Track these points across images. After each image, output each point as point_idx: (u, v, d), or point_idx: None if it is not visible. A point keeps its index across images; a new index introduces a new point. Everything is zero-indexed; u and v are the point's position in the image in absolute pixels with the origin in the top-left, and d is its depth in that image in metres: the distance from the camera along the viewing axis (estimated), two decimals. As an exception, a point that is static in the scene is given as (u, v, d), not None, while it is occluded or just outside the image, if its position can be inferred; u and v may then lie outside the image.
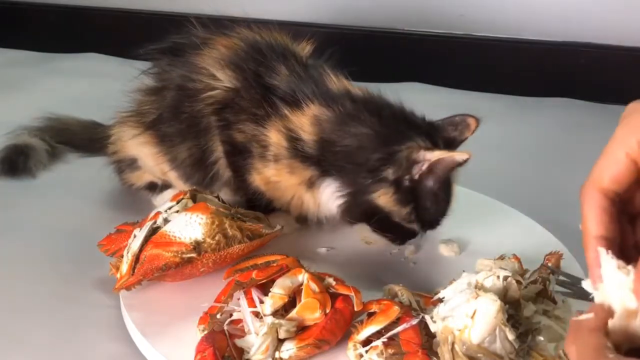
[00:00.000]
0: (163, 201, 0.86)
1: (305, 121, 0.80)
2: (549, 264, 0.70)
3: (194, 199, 0.77)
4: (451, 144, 0.80)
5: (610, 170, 0.46)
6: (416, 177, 0.75)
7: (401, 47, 1.64)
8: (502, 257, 0.71)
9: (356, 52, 1.46)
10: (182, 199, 0.76)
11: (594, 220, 0.46)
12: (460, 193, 0.82)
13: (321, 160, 0.79)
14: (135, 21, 1.78)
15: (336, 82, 0.84)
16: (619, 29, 1.52)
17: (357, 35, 1.66)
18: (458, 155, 0.72)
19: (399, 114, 0.81)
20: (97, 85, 1.44)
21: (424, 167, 0.74)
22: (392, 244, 0.83)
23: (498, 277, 0.63)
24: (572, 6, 1.54)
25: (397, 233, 0.81)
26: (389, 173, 0.76)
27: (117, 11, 1.82)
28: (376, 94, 0.84)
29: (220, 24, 0.90)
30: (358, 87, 0.85)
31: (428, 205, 0.77)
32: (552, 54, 1.56)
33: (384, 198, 0.77)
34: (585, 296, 0.48)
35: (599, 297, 0.45)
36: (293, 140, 0.80)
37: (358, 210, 0.79)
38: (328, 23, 1.66)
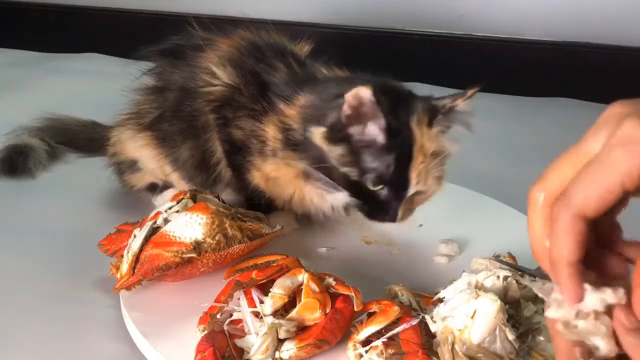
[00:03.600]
0: (163, 201, 0.86)
1: (295, 111, 0.81)
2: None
3: (194, 198, 0.77)
4: (437, 109, 0.77)
5: (601, 201, 0.39)
6: (343, 119, 0.74)
7: (401, 47, 1.64)
8: (497, 256, 0.71)
9: (356, 52, 1.46)
10: (182, 198, 0.76)
11: (572, 246, 0.41)
12: (460, 193, 0.82)
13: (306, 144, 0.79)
14: (135, 21, 1.78)
15: (326, 72, 0.85)
16: (619, 29, 1.52)
17: (357, 35, 1.67)
18: (358, 89, 0.71)
19: (379, 81, 0.80)
20: (97, 85, 1.44)
21: (344, 108, 0.73)
22: (367, 217, 0.79)
23: (498, 277, 0.63)
24: (572, 6, 1.54)
25: (354, 191, 0.77)
26: (330, 118, 0.76)
27: (117, 11, 1.82)
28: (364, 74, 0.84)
29: (219, 25, 0.91)
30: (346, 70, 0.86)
31: (364, 149, 0.74)
32: (552, 54, 1.56)
33: (317, 135, 0.76)
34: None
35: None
36: (286, 130, 0.81)
37: (313, 162, 0.78)
38: (328, 23, 1.66)
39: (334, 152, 0.76)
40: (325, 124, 0.76)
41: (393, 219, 0.78)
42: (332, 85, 0.81)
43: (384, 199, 0.77)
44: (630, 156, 0.38)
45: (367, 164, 0.75)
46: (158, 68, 0.93)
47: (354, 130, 0.74)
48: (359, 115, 0.73)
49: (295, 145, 0.80)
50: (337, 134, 0.75)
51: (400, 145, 0.74)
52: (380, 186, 0.75)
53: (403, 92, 0.78)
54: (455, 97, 0.78)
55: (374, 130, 0.74)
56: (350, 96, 0.72)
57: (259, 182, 0.85)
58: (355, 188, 0.77)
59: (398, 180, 0.75)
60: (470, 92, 0.78)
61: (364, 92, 0.71)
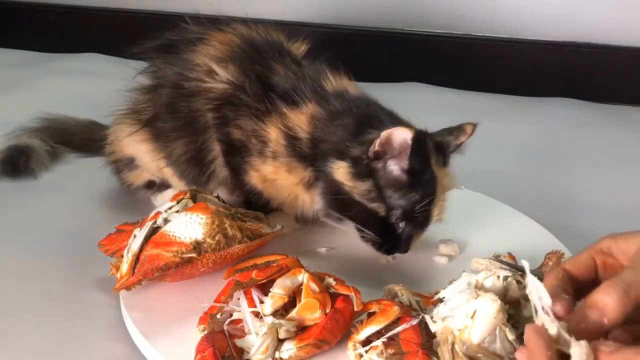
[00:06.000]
0: (163, 201, 0.86)
1: (304, 119, 0.81)
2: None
3: (194, 199, 0.77)
4: (445, 147, 0.80)
5: (576, 263, 0.58)
6: (370, 154, 0.75)
7: (401, 47, 1.64)
8: (497, 256, 0.71)
9: (356, 52, 1.46)
10: (183, 198, 0.76)
11: (558, 272, 0.57)
12: (460, 193, 0.82)
13: (315, 159, 0.80)
14: (135, 21, 1.78)
15: (333, 81, 0.85)
16: (619, 29, 1.52)
17: (357, 35, 1.66)
18: (400, 130, 0.72)
19: (387, 112, 0.82)
20: (97, 85, 1.44)
21: (376, 143, 0.74)
22: (378, 251, 0.79)
23: (498, 277, 0.63)
24: (572, 6, 1.54)
25: (372, 226, 0.77)
26: (354, 151, 0.77)
27: (117, 11, 1.82)
28: (371, 96, 0.85)
29: (217, 22, 0.91)
30: (356, 86, 0.86)
31: (389, 186, 0.75)
32: (552, 54, 1.56)
33: (341, 171, 0.77)
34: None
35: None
36: (291, 139, 0.81)
37: (328, 194, 0.79)
38: (328, 23, 1.66)
39: (360, 188, 0.76)
40: (348, 157, 0.77)
41: (406, 251, 0.79)
42: (352, 115, 0.81)
43: (401, 233, 0.78)
44: (596, 245, 0.58)
45: (394, 201, 0.76)
46: (153, 67, 0.93)
47: (379, 166, 0.75)
48: (387, 153, 0.74)
49: (302, 155, 0.81)
50: (364, 171, 0.76)
51: (425, 184, 0.76)
52: (403, 222, 0.77)
53: (421, 131, 0.78)
54: (455, 133, 0.81)
55: (402, 169, 0.75)
56: (388, 135, 0.73)
57: (256, 182, 0.85)
58: (376, 222, 0.77)
59: (421, 217, 0.77)
60: (469, 128, 0.81)
61: (406, 134, 0.72)
